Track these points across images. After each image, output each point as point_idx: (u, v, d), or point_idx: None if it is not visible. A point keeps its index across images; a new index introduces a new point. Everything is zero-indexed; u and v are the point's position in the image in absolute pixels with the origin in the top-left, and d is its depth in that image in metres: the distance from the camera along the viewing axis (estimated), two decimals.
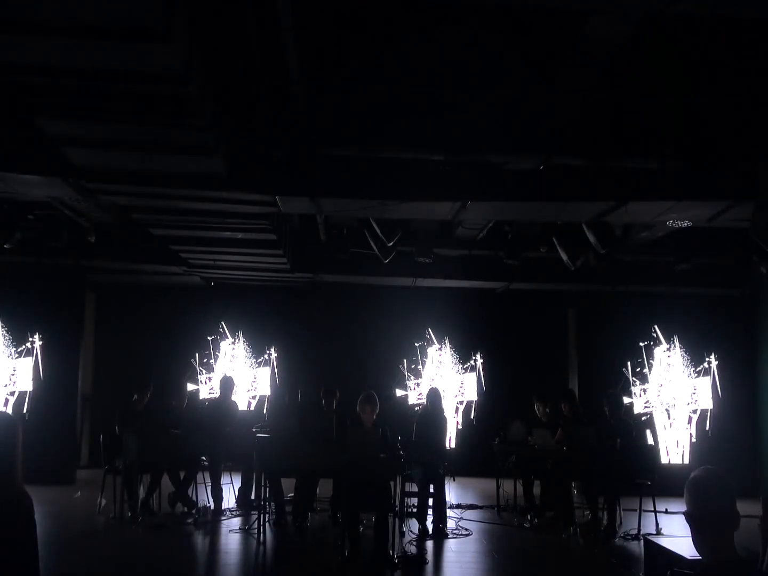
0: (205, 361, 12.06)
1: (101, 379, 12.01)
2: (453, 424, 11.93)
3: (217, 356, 12.16)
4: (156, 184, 6.48)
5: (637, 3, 4.12)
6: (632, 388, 11.25)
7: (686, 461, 11.13)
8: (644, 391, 11.31)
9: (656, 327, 11.44)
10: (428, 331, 12.18)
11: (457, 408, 12.12)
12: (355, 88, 5.69)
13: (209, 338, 12.10)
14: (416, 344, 12.10)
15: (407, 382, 12.04)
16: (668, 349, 11.44)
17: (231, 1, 4.39)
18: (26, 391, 10.72)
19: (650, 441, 9.85)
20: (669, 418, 11.31)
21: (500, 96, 5.75)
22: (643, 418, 11.12)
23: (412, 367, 12.07)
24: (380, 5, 4.65)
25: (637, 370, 11.32)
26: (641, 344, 11.35)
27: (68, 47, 4.09)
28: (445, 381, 12.06)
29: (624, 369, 11.26)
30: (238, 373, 11.92)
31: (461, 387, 12.19)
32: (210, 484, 8.49)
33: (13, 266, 10.35)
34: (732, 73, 5.26)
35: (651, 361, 11.38)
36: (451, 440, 11.68)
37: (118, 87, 4.67)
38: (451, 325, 12.23)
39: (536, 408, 9.04)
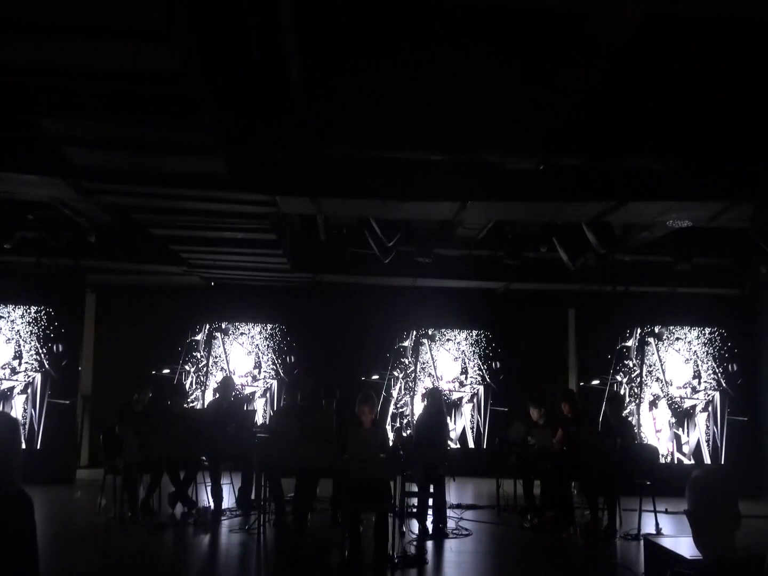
0: (204, 361, 12.06)
1: (101, 379, 12.01)
2: (459, 423, 11.94)
3: (216, 355, 12.17)
4: (156, 184, 6.48)
5: (637, 3, 4.12)
6: (627, 386, 11.26)
7: (686, 460, 11.14)
8: (642, 388, 11.31)
9: (656, 327, 11.45)
10: (428, 330, 12.19)
11: (457, 405, 12.12)
12: (355, 88, 5.69)
13: (208, 337, 12.12)
14: (413, 343, 12.11)
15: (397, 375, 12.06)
16: (667, 348, 11.44)
17: (231, 1, 4.39)
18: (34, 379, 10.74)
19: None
20: (671, 416, 11.32)
21: (500, 96, 5.75)
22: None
23: (411, 369, 12.08)
24: (381, 5, 4.64)
25: (637, 369, 11.32)
26: (640, 344, 11.35)
27: (68, 47, 4.09)
28: (443, 381, 12.08)
29: (626, 362, 11.27)
30: (237, 373, 11.94)
31: (460, 387, 12.21)
32: (210, 484, 8.49)
33: (13, 266, 10.35)
34: (732, 73, 5.26)
35: (650, 360, 11.39)
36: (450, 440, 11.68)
37: (119, 87, 4.67)
38: (451, 325, 12.25)
39: (531, 413, 9.03)
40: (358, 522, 6.77)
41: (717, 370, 11.36)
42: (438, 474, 7.83)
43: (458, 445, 11.96)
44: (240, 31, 4.67)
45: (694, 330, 11.48)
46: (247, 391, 12.14)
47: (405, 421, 11.92)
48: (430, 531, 7.63)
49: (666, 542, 5.48)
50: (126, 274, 11.37)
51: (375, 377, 11.62)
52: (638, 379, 11.28)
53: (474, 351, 12.31)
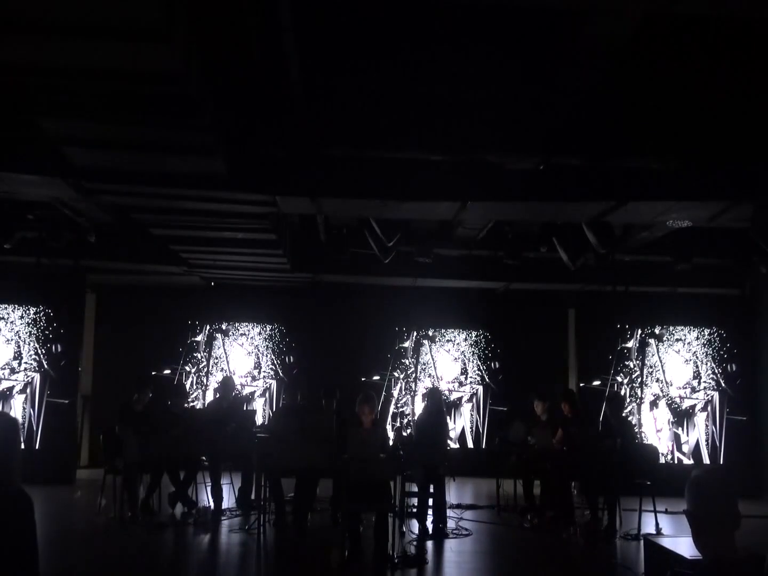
0: (204, 361, 12.07)
1: (101, 379, 12.01)
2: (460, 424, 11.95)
3: (217, 356, 12.17)
4: (156, 184, 6.48)
5: (637, 3, 4.12)
6: (627, 386, 11.27)
7: (686, 460, 11.14)
8: (641, 389, 11.32)
9: (656, 327, 11.45)
10: (428, 331, 12.20)
11: (456, 405, 12.13)
12: (355, 88, 5.69)
13: (208, 337, 12.13)
14: (413, 343, 12.13)
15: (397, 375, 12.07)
16: (667, 349, 11.45)
17: (231, 1, 4.39)
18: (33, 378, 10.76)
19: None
20: (673, 417, 11.33)
21: (500, 96, 5.75)
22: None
23: (411, 369, 12.08)
24: (381, 5, 4.64)
25: (637, 369, 11.32)
26: (640, 344, 11.36)
27: (68, 47, 4.09)
28: (443, 381, 12.09)
29: (626, 363, 11.28)
30: (237, 374, 11.95)
31: (459, 387, 12.21)
32: (210, 484, 8.50)
33: (13, 266, 10.35)
34: (732, 73, 5.26)
35: (650, 360, 11.39)
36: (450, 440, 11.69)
37: (119, 87, 4.67)
38: (451, 325, 12.25)
39: (535, 407, 9.04)
40: (358, 522, 6.77)
41: (716, 371, 11.36)
42: (438, 474, 7.83)
43: (457, 445, 11.97)
44: (240, 31, 4.67)
45: (693, 331, 11.49)
46: (247, 390, 12.14)
47: (405, 420, 11.93)
48: (430, 531, 7.63)
49: (666, 542, 5.48)
50: (126, 274, 11.37)
51: (376, 378, 11.63)
52: (638, 380, 11.29)
53: (474, 351, 12.31)
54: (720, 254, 9.59)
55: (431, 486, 7.76)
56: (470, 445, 12.05)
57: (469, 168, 6.64)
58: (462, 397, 12.21)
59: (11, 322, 10.89)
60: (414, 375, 11.98)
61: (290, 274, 10.86)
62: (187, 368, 12.04)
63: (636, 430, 8.61)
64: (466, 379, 12.25)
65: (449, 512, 8.36)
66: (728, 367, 11.37)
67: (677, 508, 8.34)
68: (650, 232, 8.36)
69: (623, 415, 8.57)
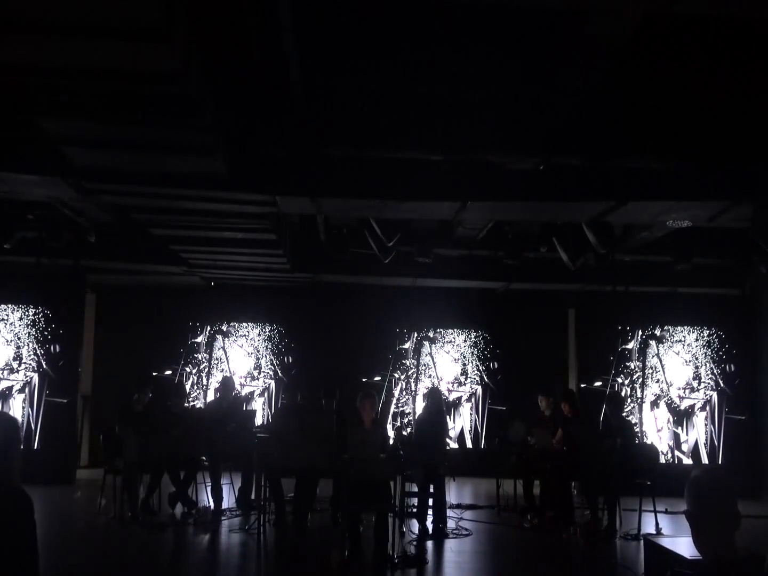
0: (204, 362, 12.07)
1: (101, 379, 12.01)
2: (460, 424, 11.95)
3: (217, 357, 12.17)
4: (156, 184, 6.49)
5: (637, 3, 4.12)
6: (627, 387, 11.27)
7: (685, 459, 11.14)
8: (642, 388, 11.32)
9: (656, 328, 11.46)
10: (428, 333, 12.19)
11: (456, 405, 12.12)
12: (355, 88, 5.69)
13: (209, 339, 12.12)
14: (414, 344, 12.13)
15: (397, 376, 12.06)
16: (666, 350, 11.45)
17: (231, 1, 4.39)
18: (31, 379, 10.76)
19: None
20: (673, 416, 11.33)
21: (500, 96, 5.75)
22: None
23: (411, 369, 12.08)
24: (381, 5, 4.64)
25: (638, 370, 11.33)
26: (640, 344, 11.37)
27: (68, 47, 4.09)
28: (443, 382, 12.10)
29: (627, 364, 11.29)
30: (237, 374, 11.96)
31: (458, 387, 12.21)
32: (210, 484, 8.50)
33: (13, 266, 10.35)
34: (732, 73, 5.26)
35: (650, 361, 11.39)
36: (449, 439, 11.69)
37: (119, 87, 4.68)
38: (451, 325, 12.25)
39: (540, 402, 9.04)
40: (358, 522, 6.77)
41: (715, 371, 11.37)
42: (438, 474, 7.83)
43: (457, 445, 11.97)
44: (240, 31, 4.67)
45: (693, 332, 11.50)
46: (246, 390, 12.14)
47: (405, 420, 11.93)
48: (430, 531, 7.63)
49: (666, 542, 5.48)
50: (126, 274, 11.37)
51: (376, 378, 11.62)
52: (639, 380, 11.29)
53: (473, 352, 12.31)
54: (720, 254, 9.59)
55: (431, 486, 7.76)
56: (469, 445, 12.05)
57: (469, 168, 6.64)
58: (461, 396, 12.21)
59: (10, 324, 10.88)
60: (414, 375, 11.97)
61: (290, 274, 10.86)
62: (188, 369, 12.04)
63: (636, 430, 8.61)
64: (465, 379, 12.25)
65: (449, 512, 8.36)
66: (727, 367, 11.37)
67: (677, 508, 8.35)
68: (650, 232, 8.36)
69: (623, 415, 8.57)
